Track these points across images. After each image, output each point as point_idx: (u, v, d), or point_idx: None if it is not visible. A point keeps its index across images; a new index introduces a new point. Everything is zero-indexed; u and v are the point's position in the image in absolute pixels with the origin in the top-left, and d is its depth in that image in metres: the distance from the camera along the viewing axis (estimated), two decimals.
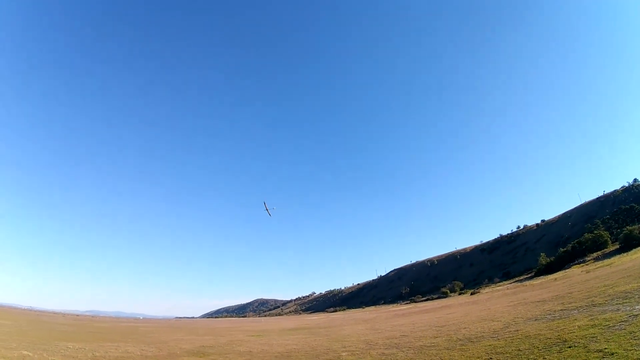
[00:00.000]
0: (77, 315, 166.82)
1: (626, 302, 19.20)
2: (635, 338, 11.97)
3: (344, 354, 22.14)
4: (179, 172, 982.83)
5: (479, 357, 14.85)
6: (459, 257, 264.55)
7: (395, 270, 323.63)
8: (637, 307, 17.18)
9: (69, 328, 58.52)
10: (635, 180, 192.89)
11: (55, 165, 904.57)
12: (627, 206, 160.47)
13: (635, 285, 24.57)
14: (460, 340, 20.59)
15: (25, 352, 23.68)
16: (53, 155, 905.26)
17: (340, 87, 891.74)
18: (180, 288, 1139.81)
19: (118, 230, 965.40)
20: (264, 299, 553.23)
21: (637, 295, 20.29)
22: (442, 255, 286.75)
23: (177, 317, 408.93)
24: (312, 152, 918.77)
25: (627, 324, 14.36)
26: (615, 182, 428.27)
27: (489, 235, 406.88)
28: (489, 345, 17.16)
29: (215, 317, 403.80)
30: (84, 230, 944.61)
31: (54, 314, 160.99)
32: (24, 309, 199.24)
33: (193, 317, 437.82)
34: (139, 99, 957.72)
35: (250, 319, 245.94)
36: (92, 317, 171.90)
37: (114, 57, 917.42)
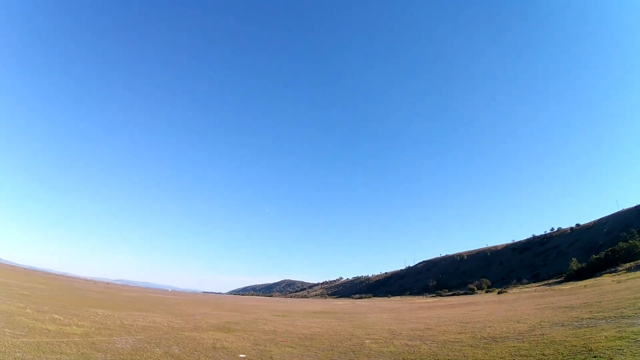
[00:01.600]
0: (108, 284, 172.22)
1: None
2: None
3: (367, 341, 22.33)
4: (219, 145, 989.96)
5: (502, 358, 14.81)
6: (489, 254, 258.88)
7: (423, 262, 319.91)
8: None
9: (99, 295, 60.58)
10: None
11: (98, 137, 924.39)
12: None
13: None
14: (484, 338, 20.48)
15: (56, 316, 24.62)
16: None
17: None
18: (209, 264, 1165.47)
19: (154, 203, 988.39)
20: (291, 280, 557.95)
21: None
22: (472, 251, 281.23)
23: (204, 292, 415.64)
24: (350, 137, 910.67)
25: None
26: None
27: (521, 235, 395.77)
28: (513, 346, 17.04)
29: (242, 295, 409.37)
30: (120, 202, 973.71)
31: (86, 281, 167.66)
32: (58, 275, 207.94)
33: (220, 293, 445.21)
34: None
35: (276, 299, 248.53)
36: (122, 286, 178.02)
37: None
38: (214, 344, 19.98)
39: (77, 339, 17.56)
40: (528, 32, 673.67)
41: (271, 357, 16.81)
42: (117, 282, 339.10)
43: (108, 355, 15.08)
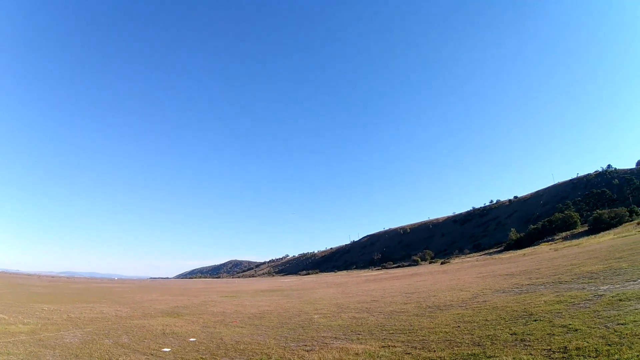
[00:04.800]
0: (52, 277, 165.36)
1: (592, 282, 19.91)
2: (599, 317, 12.41)
3: (315, 316, 22.54)
4: (156, 128, 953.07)
5: (447, 325, 15.27)
6: (431, 226, 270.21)
7: (368, 236, 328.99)
8: (602, 287, 17.82)
9: (44, 290, 58.28)
10: (609, 166, 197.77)
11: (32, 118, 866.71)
12: (598, 190, 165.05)
13: (601, 266, 25.46)
14: (429, 307, 21.15)
15: (1, 315, 23.61)
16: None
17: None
18: (154, 249, 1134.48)
19: (92, 190, 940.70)
20: (238, 260, 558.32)
21: (602, 276, 21.03)
22: (414, 224, 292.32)
23: (151, 278, 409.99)
24: (290, 112, 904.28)
25: (592, 302, 14.89)
26: (589, 166, 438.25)
27: (461, 207, 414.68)
28: (457, 314, 17.66)
29: (189, 278, 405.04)
30: (56, 189, 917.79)
31: (29, 275, 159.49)
32: None
33: (167, 278, 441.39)
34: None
35: (224, 280, 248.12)
36: (67, 278, 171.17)
37: None
38: (163, 329, 19.67)
39: (24, 337, 16.90)
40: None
41: (221, 339, 16.65)
42: (62, 275, 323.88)
43: (57, 351, 14.61)
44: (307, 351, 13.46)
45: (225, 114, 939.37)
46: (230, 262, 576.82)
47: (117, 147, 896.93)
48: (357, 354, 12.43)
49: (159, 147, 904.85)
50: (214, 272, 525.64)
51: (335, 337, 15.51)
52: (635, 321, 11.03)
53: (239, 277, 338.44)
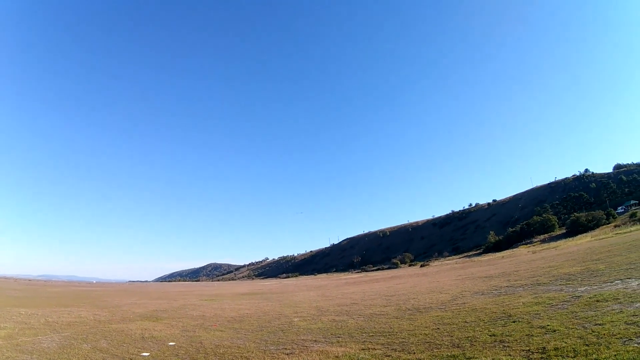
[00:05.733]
0: (30, 280, 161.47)
1: (569, 284, 20.27)
2: (577, 317, 12.59)
3: (295, 319, 22.42)
4: (135, 131, 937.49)
5: (426, 327, 15.31)
6: (410, 229, 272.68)
7: (348, 239, 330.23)
8: (579, 288, 18.14)
9: (21, 293, 57.08)
10: (586, 170, 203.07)
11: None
12: (576, 194, 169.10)
13: (579, 268, 25.98)
14: (409, 310, 21.22)
15: None
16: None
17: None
18: (133, 252, 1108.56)
19: (70, 191, 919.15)
20: (217, 264, 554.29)
21: (580, 278, 21.45)
22: (394, 227, 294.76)
23: (130, 281, 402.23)
24: (270, 114, 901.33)
25: (570, 304, 15.13)
26: (567, 170, 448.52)
27: (441, 210, 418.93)
28: (437, 316, 17.74)
29: (169, 281, 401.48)
30: (33, 190, 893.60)
31: (5, 279, 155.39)
32: None
33: (146, 281, 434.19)
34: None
35: (203, 283, 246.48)
36: (45, 281, 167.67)
37: None
38: (142, 334, 19.33)
39: (0, 343, 16.52)
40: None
41: (201, 343, 16.43)
42: (40, 278, 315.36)
43: (34, 356, 14.36)
44: (287, 354, 13.36)
45: (208, 115, 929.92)
46: (209, 265, 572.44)
47: (94, 149, 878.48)
48: (337, 356, 12.36)
49: (134, 150, 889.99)
50: (194, 275, 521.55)
51: (315, 340, 15.42)
52: (612, 321, 11.21)
53: (218, 280, 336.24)
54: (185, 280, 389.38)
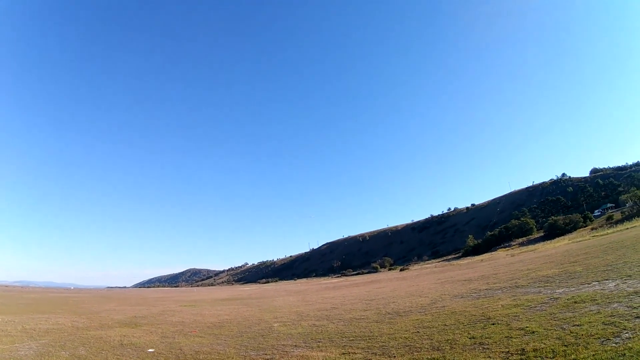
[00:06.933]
0: (6, 286, 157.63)
1: (547, 286, 20.59)
2: (555, 319, 12.77)
3: (275, 324, 22.31)
4: (116, 136, 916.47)
5: (406, 331, 15.36)
6: (390, 234, 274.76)
7: (327, 244, 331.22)
8: (557, 290, 18.44)
9: None
10: (563, 174, 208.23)
11: None
12: (554, 198, 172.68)
13: (557, 270, 26.45)
14: (389, 313, 21.27)
15: None
16: None
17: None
18: (111, 258, 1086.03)
19: (47, 196, 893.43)
20: (197, 269, 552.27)
21: (558, 280, 21.80)
22: (373, 232, 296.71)
23: (108, 287, 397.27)
24: (250, 120, 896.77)
25: (548, 305, 15.35)
26: (544, 174, 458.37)
27: (420, 215, 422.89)
28: (417, 319, 17.81)
29: (147, 287, 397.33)
30: (8, 195, 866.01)
31: None
32: None
33: (125, 287, 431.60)
34: None
35: (183, 289, 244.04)
36: (22, 287, 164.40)
37: None
38: (121, 340, 19.08)
39: None
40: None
41: (180, 349, 16.23)
42: (16, 284, 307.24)
43: None
44: None
45: (182, 122, 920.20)
46: (189, 270, 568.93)
47: (69, 153, 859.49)
48: None
49: (112, 154, 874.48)
50: (173, 281, 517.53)
51: (296, 345, 15.36)
52: (590, 322, 11.41)
53: (198, 285, 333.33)
54: (164, 286, 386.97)
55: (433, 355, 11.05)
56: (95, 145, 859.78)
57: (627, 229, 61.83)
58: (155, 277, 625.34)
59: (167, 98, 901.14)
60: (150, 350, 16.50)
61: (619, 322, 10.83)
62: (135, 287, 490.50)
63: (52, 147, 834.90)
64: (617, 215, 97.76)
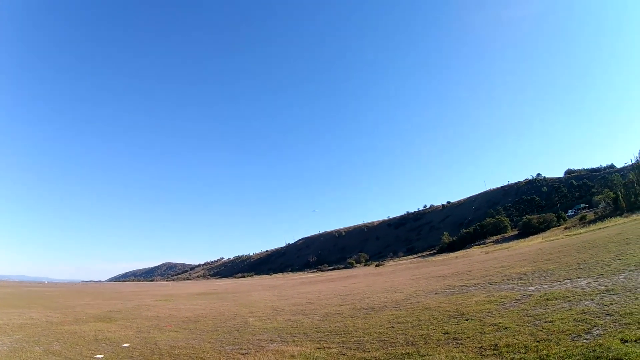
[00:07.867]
0: None
1: (521, 283, 20.99)
2: (528, 315, 13.01)
3: (251, 319, 22.26)
4: (90, 129, 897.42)
5: (381, 326, 15.46)
6: (366, 230, 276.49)
7: (303, 239, 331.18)
8: (530, 287, 18.81)
9: None
10: (538, 174, 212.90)
11: None
12: (528, 197, 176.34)
13: (530, 268, 26.98)
14: (364, 309, 21.40)
15: None
16: None
17: None
18: (85, 251, 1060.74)
19: (18, 188, 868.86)
20: (172, 263, 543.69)
21: (531, 277, 22.25)
22: (349, 227, 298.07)
23: (83, 281, 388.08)
24: (230, 111, 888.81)
25: (521, 302, 15.64)
26: (519, 174, 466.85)
27: (396, 211, 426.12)
28: (391, 314, 17.95)
29: (122, 281, 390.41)
30: None
31: None
32: None
33: (100, 281, 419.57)
34: None
35: (158, 283, 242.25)
36: None
37: None
38: (95, 335, 18.80)
39: None
40: None
41: (156, 344, 16.06)
42: None
43: None
44: (243, 354, 13.27)
45: (157, 115, 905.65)
46: (164, 264, 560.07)
47: (41, 148, 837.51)
48: (292, 356, 12.30)
49: (87, 149, 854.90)
50: (148, 275, 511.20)
51: (271, 340, 15.35)
52: (562, 319, 11.64)
53: (173, 280, 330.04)
54: (139, 280, 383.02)
55: (407, 350, 11.13)
56: (68, 137, 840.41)
57: (600, 229, 63.49)
58: (131, 271, 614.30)
59: (144, 91, 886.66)
60: (125, 345, 16.35)
61: (590, 319, 11.07)
62: (110, 281, 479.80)
63: (26, 138, 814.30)
64: (591, 215, 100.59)
